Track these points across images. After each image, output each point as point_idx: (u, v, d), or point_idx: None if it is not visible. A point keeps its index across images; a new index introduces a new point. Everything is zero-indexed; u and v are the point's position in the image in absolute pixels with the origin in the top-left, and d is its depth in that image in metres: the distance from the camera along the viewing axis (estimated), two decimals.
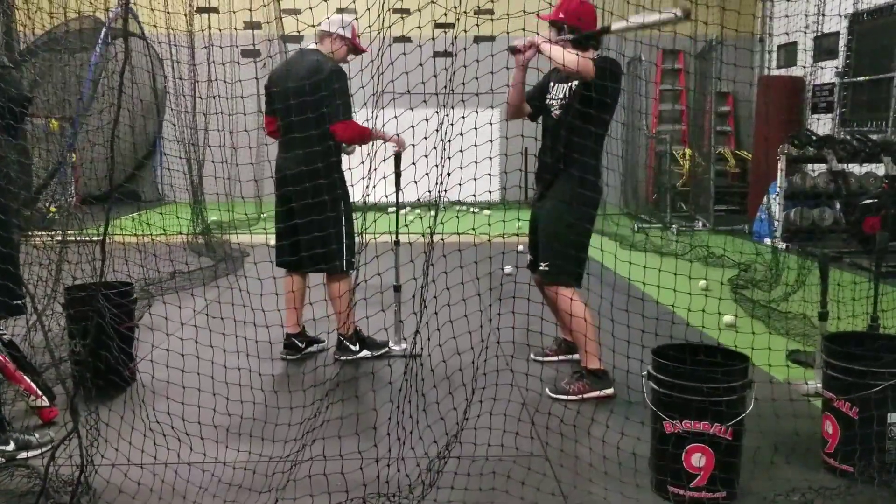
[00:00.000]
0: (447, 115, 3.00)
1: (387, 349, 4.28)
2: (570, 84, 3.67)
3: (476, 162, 3.16)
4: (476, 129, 3.23)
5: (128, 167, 10.23)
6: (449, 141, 2.91)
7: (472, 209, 9.65)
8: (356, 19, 3.41)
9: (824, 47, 9.11)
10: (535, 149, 3.82)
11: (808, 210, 7.70)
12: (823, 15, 8.70)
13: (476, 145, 3.15)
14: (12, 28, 5.17)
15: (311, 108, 3.83)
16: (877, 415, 2.67)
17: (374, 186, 3.35)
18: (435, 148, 2.91)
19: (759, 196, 8.47)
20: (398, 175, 4.25)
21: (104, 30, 7.56)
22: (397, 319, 4.32)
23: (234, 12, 4.52)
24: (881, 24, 8.32)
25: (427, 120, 3.23)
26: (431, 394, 3.19)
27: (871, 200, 6.67)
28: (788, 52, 10.14)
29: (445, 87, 3.00)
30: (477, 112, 3.27)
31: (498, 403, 3.16)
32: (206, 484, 2.72)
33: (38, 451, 2.97)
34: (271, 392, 3.59)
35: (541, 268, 3.70)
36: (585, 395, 3.56)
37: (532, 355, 4.12)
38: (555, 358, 4.16)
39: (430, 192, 2.87)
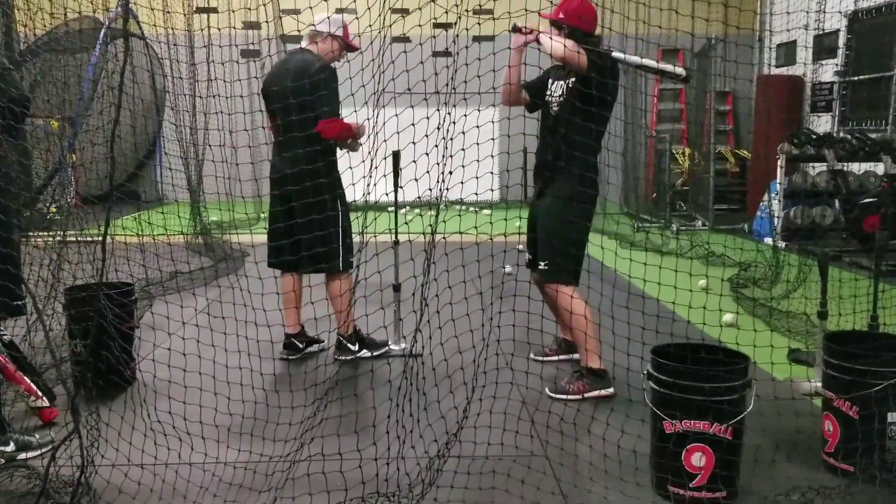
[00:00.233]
0: (448, 114, 3.00)
1: (386, 348, 4.28)
2: (567, 81, 3.67)
3: (477, 161, 3.15)
4: (476, 127, 3.22)
5: (128, 167, 10.22)
6: (449, 140, 2.91)
7: (472, 208, 9.65)
8: (356, 18, 3.40)
9: (824, 46, 9.10)
10: (536, 147, 3.82)
11: (808, 209, 7.70)
12: (824, 13, 8.69)
13: (476, 144, 3.15)
14: (12, 28, 5.17)
15: (300, 109, 3.83)
16: (877, 413, 2.67)
17: (374, 185, 3.35)
18: (436, 147, 2.91)
19: (759, 195, 8.47)
20: (396, 174, 4.25)
21: (104, 30, 7.55)
22: (397, 318, 4.32)
23: (233, 12, 4.52)
24: (881, 22, 8.32)
25: (427, 119, 3.23)
26: (431, 392, 3.19)
27: (870, 199, 6.67)
28: (788, 51, 10.13)
29: (446, 85, 3.00)
30: (477, 111, 3.27)
31: (498, 402, 3.16)
32: (206, 483, 2.72)
33: (39, 452, 2.97)
34: (271, 391, 3.59)
35: (540, 266, 3.70)
36: (585, 395, 3.57)
37: (532, 354, 4.12)
38: (555, 357, 4.16)
39: (430, 190, 2.87)
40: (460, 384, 3.05)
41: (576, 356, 3.94)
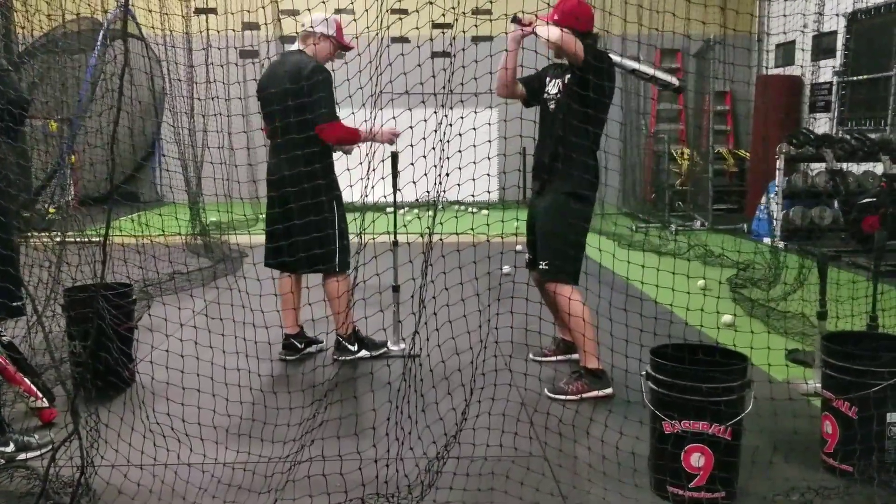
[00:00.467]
0: (446, 116, 3.00)
1: (385, 349, 4.28)
2: (563, 79, 3.68)
3: (475, 162, 3.16)
4: (475, 129, 3.23)
5: (127, 168, 10.22)
6: (447, 141, 2.92)
7: (470, 209, 9.65)
8: (355, 20, 3.40)
9: (822, 46, 9.11)
10: (533, 147, 3.83)
11: (807, 209, 7.71)
12: (822, 14, 8.70)
13: (475, 145, 3.16)
14: (11, 30, 5.16)
15: (296, 111, 3.83)
16: (876, 414, 2.67)
17: (372, 187, 3.35)
18: (433, 148, 2.91)
19: (758, 195, 8.48)
20: (395, 175, 4.25)
21: (102, 31, 7.55)
22: (396, 319, 4.33)
23: (232, 13, 4.52)
24: (879, 22, 8.33)
25: (426, 120, 3.23)
26: (430, 394, 3.19)
27: (869, 199, 6.67)
28: (786, 51, 10.14)
29: (444, 87, 3.00)
30: (475, 112, 3.28)
31: (497, 403, 3.16)
32: (205, 485, 2.72)
33: (38, 453, 2.98)
34: (270, 393, 3.59)
35: (540, 266, 3.71)
36: (584, 395, 3.57)
37: (531, 355, 4.12)
38: (553, 358, 4.16)
39: (428, 192, 2.88)
40: (459, 385, 3.06)
41: (575, 357, 3.94)
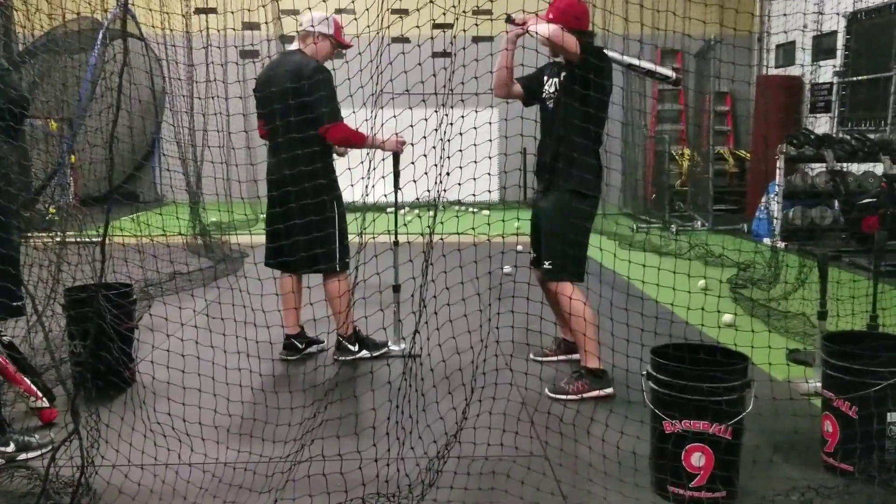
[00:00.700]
0: (446, 115, 3.00)
1: (386, 349, 4.28)
2: (559, 77, 3.67)
3: (475, 161, 3.16)
4: (475, 128, 3.23)
5: (126, 168, 10.22)
6: (448, 140, 2.92)
7: (471, 209, 9.65)
8: (355, 19, 3.40)
9: (823, 46, 9.11)
10: (535, 148, 3.83)
11: (807, 209, 7.71)
12: (822, 14, 8.70)
13: (475, 145, 3.16)
14: (11, 29, 5.16)
15: (297, 111, 3.83)
16: (876, 414, 2.67)
17: (372, 186, 3.35)
18: (434, 147, 2.91)
19: (758, 195, 8.48)
20: (396, 175, 4.25)
21: (102, 31, 7.55)
22: (396, 319, 4.33)
23: (233, 13, 4.52)
24: (879, 23, 8.33)
25: (426, 119, 3.23)
26: (431, 393, 3.19)
27: (869, 199, 6.67)
28: (787, 52, 10.14)
29: (444, 86, 3.00)
30: (476, 111, 3.28)
31: (497, 403, 3.16)
32: (205, 484, 2.72)
33: (39, 453, 2.97)
34: (271, 392, 3.59)
35: (544, 266, 3.70)
36: (585, 395, 3.57)
37: (531, 355, 4.12)
38: (554, 358, 4.16)
39: (429, 191, 2.87)
40: (459, 385, 3.06)
41: (575, 356, 3.94)
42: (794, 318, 4.73)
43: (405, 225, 4.05)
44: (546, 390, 3.65)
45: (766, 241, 7.67)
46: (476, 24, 3.31)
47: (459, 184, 3.09)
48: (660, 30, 3.85)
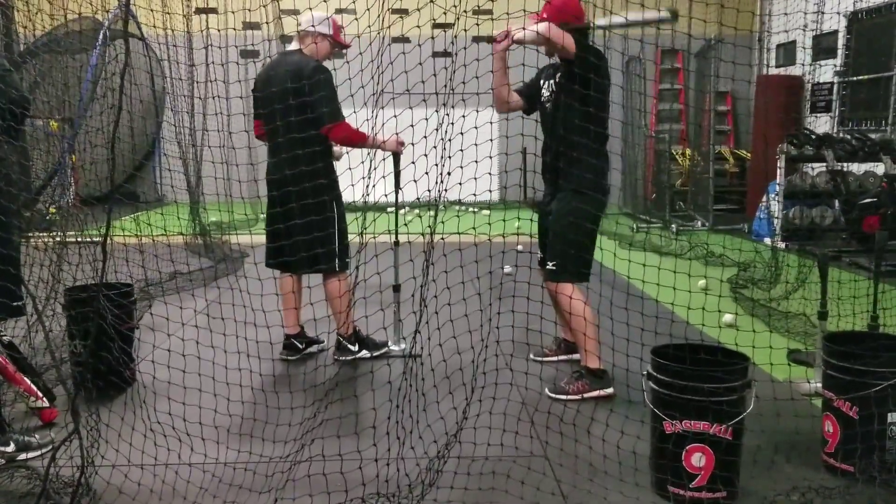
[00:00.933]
0: (447, 115, 3.00)
1: (386, 349, 4.27)
2: (555, 78, 3.67)
3: (476, 161, 3.16)
4: (476, 128, 3.23)
5: (127, 168, 10.22)
6: (448, 140, 2.92)
7: (471, 208, 9.65)
8: (356, 19, 3.40)
9: (823, 46, 9.11)
10: (535, 148, 3.83)
11: (808, 209, 7.70)
12: (822, 13, 8.69)
13: (476, 145, 3.16)
14: (12, 29, 5.16)
15: (298, 111, 3.82)
16: (877, 414, 2.67)
17: (373, 186, 3.35)
18: (434, 147, 2.91)
19: (758, 195, 8.47)
20: (397, 175, 4.25)
21: (103, 31, 7.55)
22: (396, 319, 4.33)
23: (233, 13, 4.52)
24: (880, 22, 8.32)
25: (427, 119, 3.23)
26: (431, 393, 3.19)
27: (870, 199, 6.67)
28: (787, 51, 10.14)
29: (445, 86, 3.00)
30: (476, 111, 3.28)
31: (497, 403, 3.16)
32: (206, 484, 2.72)
33: (39, 453, 2.98)
34: (271, 392, 3.59)
35: (548, 266, 3.70)
36: (585, 395, 3.57)
37: (531, 355, 4.12)
38: (554, 358, 4.16)
39: (429, 191, 2.88)
40: (460, 385, 3.06)
41: (575, 357, 3.94)
42: (795, 318, 4.73)
43: (405, 225, 4.05)
44: (546, 390, 3.65)
45: (767, 240, 7.67)
46: (476, 24, 3.31)
47: (460, 183, 3.09)
48: (660, 29, 3.85)
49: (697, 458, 2.56)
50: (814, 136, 7.27)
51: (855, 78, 8.61)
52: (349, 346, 4.17)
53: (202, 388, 3.13)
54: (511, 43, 3.46)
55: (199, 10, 7.46)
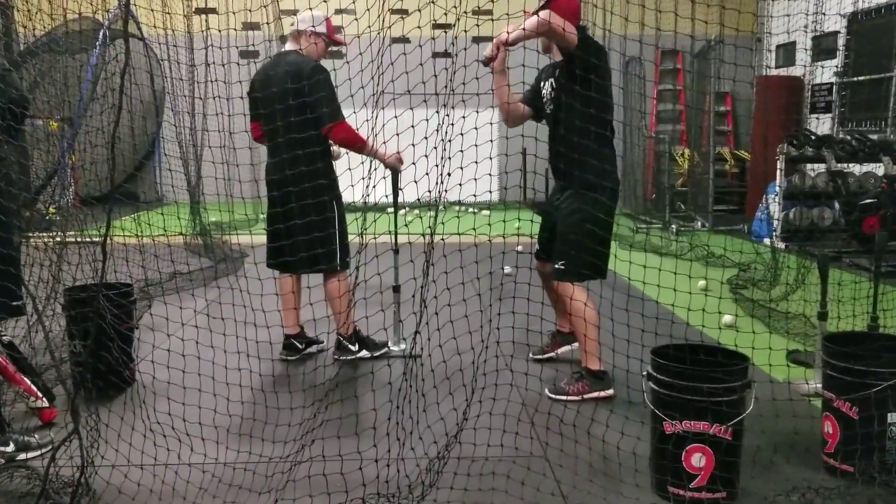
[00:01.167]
0: (447, 116, 3.00)
1: (386, 349, 4.27)
2: (554, 76, 3.66)
3: (476, 162, 3.16)
4: (476, 129, 3.23)
5: (127, 168, 10.23)
6: (449, 141, 2.92)
7: (471, 209, 9.65)
8: (356, 19, 3.40)
9: (823, 47, 9.11)
10: (535, 149, 3.82)
11: (807, 210, 7.70)
12: (822, 14, 8.69)
13: (476, 145, 3.16)
14: (12, 29, 5.16)
15: (297, 111, 3.83)
16: (877, 414, 2.67)
17: (373, 186, 3.35)
18: (435, 148, 2.91)
19: (758, 196, 8.47)
20: (396, 192, 4.26)
21: (103, 31, 7.56)
22: (396, 320, 4.33)
23: (234, 13, 4.52)
24: (880, 23, 8.33)
25: (427, 120, 3.23)
26: (431, 394, 3.19)
27: (870, 200, 6.66)
28: (787, 52, 10.14)
29: (445, 87, 3.00)
30: (477, 112, 3.28)
31: (498, 404, 3.16)
32: (205, 485, 2.72)
33: (38, 453, 2.97)
34: (271, 392, 3.59)
35: (556, 266, 3.68)
36: (585, 396, 3.57)
37: (530, 355, 4.12)
38: (552, 353, 4.16)
39: (430, 192, 2.88)
40: (460, 385, 3.06)
41: (574, 346, 3.94)
42: (795, 318, 4.73)
43: (406, 225, 4.05)
44: (546, 391, 3.65)
45: (767, 241, 7.67)
46: (477, 25, 3.31)
47: (460, 184, 3.09)
48: (661, 30, 3.85)
49: (697, 459, 2.56)
50: (814, 137, 7.27)
51: (855, 79, 8.62)
52: (349, 345, 4.17)
53: (202, 388, 3.13)
54: (506, 54, 3.45)
55: (199, 11, 7.46)
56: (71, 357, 3.69)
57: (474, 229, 3.24)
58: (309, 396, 3.41)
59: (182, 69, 7.30)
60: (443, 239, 3.06)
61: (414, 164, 3.24)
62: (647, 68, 10.38)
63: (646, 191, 10.59)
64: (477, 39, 3.34)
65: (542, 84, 3.82)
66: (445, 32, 3.18)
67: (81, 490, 2.51)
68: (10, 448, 2.96)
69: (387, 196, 4.20)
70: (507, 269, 4.87)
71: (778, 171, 7.42)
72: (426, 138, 3.02)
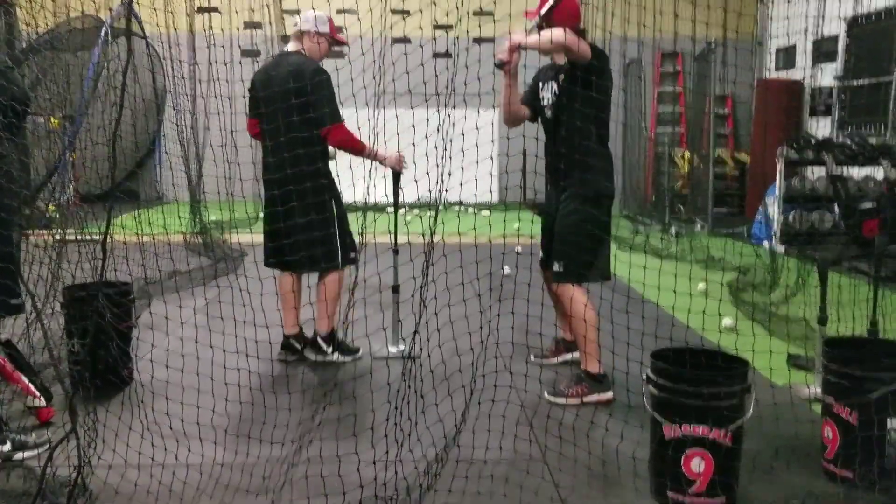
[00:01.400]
0: (448, 116, 3.00)
1: (359, 355, 4.25)
2: (557, 81, 3.66)
3: (476, 162, 3.15)
4: (476, 129, 3.23)
5: (128, 166, 10.22)
6: (449, 141, 2.91)
7: (471, 209, 9.64)
8: (358, 20, 3.40)
9: (823, 50, 9.11)
10: (536, 149, 3.82)
11: (807, 213, 7.70)
12: (823, 18, 8.70)
13: (476, 145, 3.15)
14: (14, 27, 5.15)
15: (298, 111, 3.82)
16: (877, 420, 2.67)
17: (374, 186, 3.35)
18: (435, 148, 2.91)
19: (758, 199, 8.47)
20: (396, 195, 4.25)
21: (104, 29, 7.55)
22: (395, 320, 4.31)
23: (236, 12, 4.51)
24: (880, 27, 8.33)
25: (427, 120, 3.23)
26: (430, 395, 3.18)
27: (869, 204, 6.66)
28: (787, 55, 10.14)
29: (446, 87, 3.00)
30: (477, 112, 3.27)
31: (496, 406, 3.15)
32: (203, 485, 2.72)
33: (35, 452, 2.96)
34: (269, 393, 3.58)
35: (555, 268, 3.68)
36: (584, 399, 3.56)
37: (532, 357, 4.11)
38: (554, 359, 4.15)
39: (430, 191, 2.87)
40: (459, 387, 3.05)
41: (576, 354, 3.93)
42: (795, 322, 4.72)
43: (406, 225, 4.04)
44: (545, 394, 3.65)
45: (766, 244, 7.67)
46: (479, 26, 3.31)
47: (460, 184, 3.08)
48: (661, 32, 3.85)
49: (697, 463, 2.56)
50: (813, 140, 7.27)
51: (855, 82, 8.61)
52: (324, 346, 4.14)
53: (200, 387, 3.12)
54: (520, 58, 3.45)
55: (201, 10, 7.46)
56: (69, 356, 3.68)
57: (474, 229, 3.24)
58: (307, 397, 3.40)
59: (184, 68, 7.29)
60: (442, 239, 3.05)
61: (414, 163, 3.24)
62: (647, 70, 10.39)
63: (645, 192, 10.59)
64: (478, 40, 3.33)
65: (541, 86, 3.82)
66: (446, 33, 3.18)
67: (78, 490, 2.51)
68: (7, 447, 2.95)
69: (387, 195, 4.19)
70: (507, 270, 4.87)
71: (778, 174, 7.42)
72: (427, 138, 3.01)
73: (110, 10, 6.68)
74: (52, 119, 5.81)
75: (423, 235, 3.01)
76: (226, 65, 4.42)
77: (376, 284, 3.72)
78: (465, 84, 2.98)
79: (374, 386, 3.51)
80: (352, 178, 3.77)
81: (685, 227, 9.20)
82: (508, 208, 7.22)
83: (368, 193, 3.70)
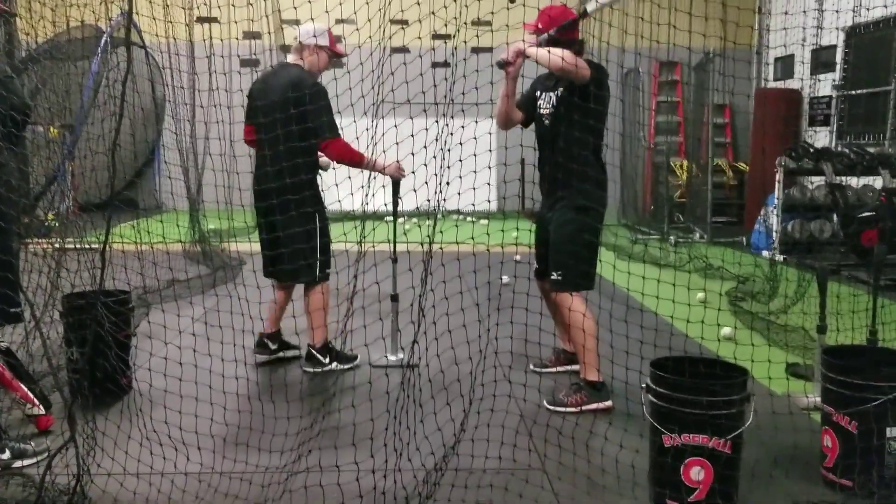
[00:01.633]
0: (446, 125, 3.01)
1: (357, 362, 4.24)
2: (556, 91, 3.68)
3: (474, 171, 3.16)
4: (475, 138, 3.24)
5: (127, 175, 10.23)
6: (447, 150, 2.92)
7: (469, 218, 9.66)
8: (357, 29, 3.41)
9: (821, 60, 9.15)
10: (534, 159, 3.83)
11: (806, 222, 7.71)
12: (821, 28, 8.74)
13: (474, 155, 3.16)
14: (14, 36, 5.17)
15: (292, 123, 3.84)
16: (876, 429, 2.67)
17: (373, 195, 3.35)
18: (434, 157, 2.92)
19: (757, 208, 8.49)
20: (395, 204, 4.26)
21: (104, 38, 7.57)
22: (394, 329, 4.31)
23: (235, 22, 4.53)
24: (878, 37, 8.37)
25: (426, 129, 3.24)
26: (429, 405, 3.18)
27: (868, 213, 6.67)
28: (786, 65, 10.18)
29: (444, 97, 3.01)
30: (476, 122, 3.29)
31: (496, 415, 3.14)
32: (202, 494, 2.71)
33: (34, 460, 2.96)
34: (268, 402, 3.57)
35: (552, 277, 3.69)
36: (583, 408, 3.55)
37: (531, 366, 4.11)
38: (553, 369, 4.15)
39: (428, 201, 2.88)
40: (458, 396, 3.05)
41: (575, 367, 3.93)
42: (794, 331, 4.72)
43: (405, 234, 4.05)
44: (545, 402, 3.64)
45: (765, 253, 7.68)
46: (476, 36, 3.33)
47: (459, 193, 3.09)
48: (659, 43, 3.87)
49: (696, 472, 2.55)
50: (812, 150, 7.29)
51: (853, 92, 8.65)
52: (320, 357, 4.14)
53: (199, 396, 3.11)
54: (523, 62, 3.47)
55: (200, 19, 7.49)
56: (68, 364, 3.67)
57: (473, 238, 3.24)
58: (306, 406, 3.39)
59: (183, 77, 7.31)
60: (441, 248, 3.06)
61: (413, 172, 3.25)
62: (646, 79, 10.43)
63: (644, 202, 10.61)
64: (476, 50, 3.35)
65: (538, 94, 3.83)
66: (445, 43, 3.19)
67: (77, 498, 2.50)
68: (6, 455, 2.94)
69: (386, 205, 4.20)
70: (506, 279, 4.87)
71: (776, 184, 7.43)
72: (425, 147, 3.02)
73: (110, 19, 6.70)
74: (52, 128, 5.82)
75: (421, 244, 3.02)
76: (225, 74, 4.43)
77: (375, 293, 3.72)
78: (464, 94, 2.99)
79: (373, 395, 3.51)
80: (351, 188, 3.78)
81: (684, 236, 9.22)
82: (507, 217, 7.23)
83: (367, 202, 3.71)
